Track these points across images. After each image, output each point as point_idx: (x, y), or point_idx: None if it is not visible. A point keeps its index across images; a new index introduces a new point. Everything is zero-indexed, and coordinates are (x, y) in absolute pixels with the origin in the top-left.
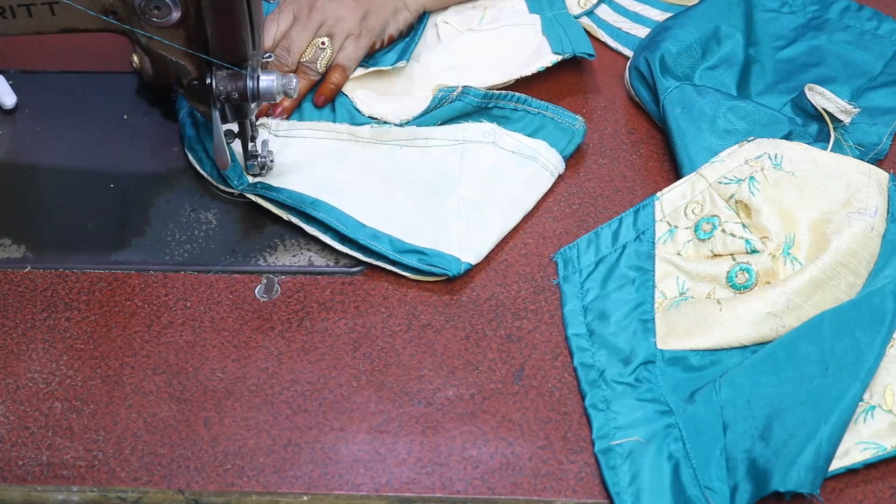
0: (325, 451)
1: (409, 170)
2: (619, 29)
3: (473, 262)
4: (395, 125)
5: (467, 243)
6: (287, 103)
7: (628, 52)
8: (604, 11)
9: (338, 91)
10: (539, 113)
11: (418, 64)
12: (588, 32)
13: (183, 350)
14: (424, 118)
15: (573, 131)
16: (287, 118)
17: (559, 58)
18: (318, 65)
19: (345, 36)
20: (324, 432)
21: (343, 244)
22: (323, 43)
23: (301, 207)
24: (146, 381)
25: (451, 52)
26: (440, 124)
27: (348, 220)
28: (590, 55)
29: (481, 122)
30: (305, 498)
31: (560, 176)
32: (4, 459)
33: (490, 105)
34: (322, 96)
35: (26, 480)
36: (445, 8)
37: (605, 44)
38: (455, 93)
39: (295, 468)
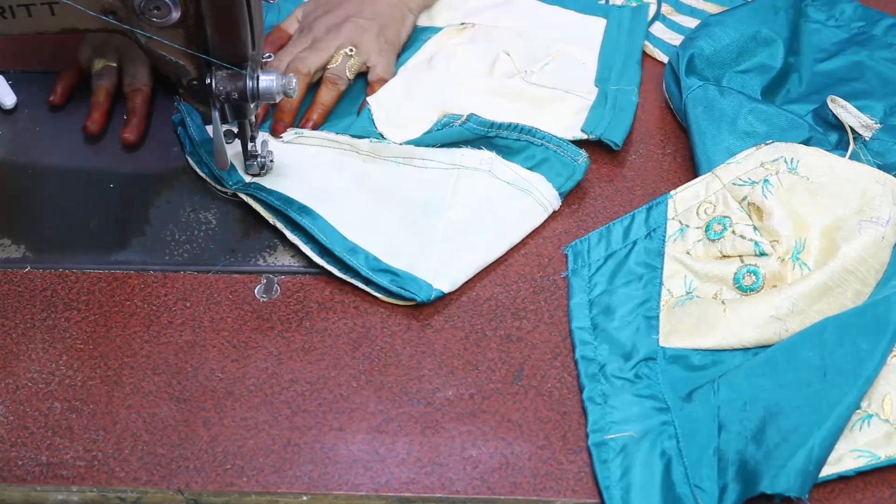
0: (324, 451)
1: (402, 188)
2: (675, 47)
3: (447, 290)
4: (395, 143)
5: (444, 270)
6: (316, 116)
7: None
8: (658, 29)
9: None
10: (542, 145)
11: (454, 89)
12: (647, 54)
13: (183, 350)
14: (423, 139)
15: (574, 167)
16: (318, 129)
17: (584, 137)
18: (348, 72)
19: (369, 52)
20: (323, 432)
21: (322, 257)
22: (350, 50)
23: (287, 211)
24: (146, 381)
25: (490, 92)
26: (439, 147)
27: (330, 230)
28: (615, 144)
29: (481, 149)
30: (305, 498)
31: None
32: (4, 459)
33: (492, 134)
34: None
35: (26, 480)
36: (429, 6)
37: (656, 61)
38: (459, 121)
39: (294, 468)
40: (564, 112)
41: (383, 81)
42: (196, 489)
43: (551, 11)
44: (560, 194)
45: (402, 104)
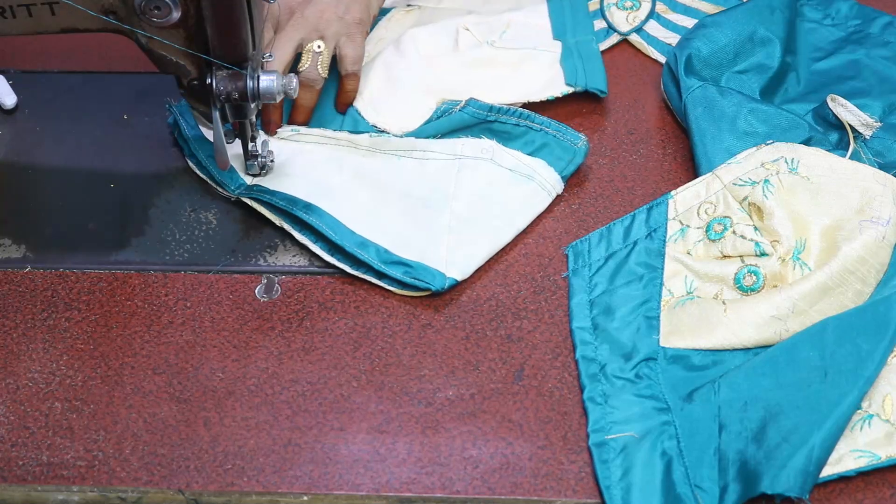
0: (325, 451)
1: (404, 181)
2: (669, 45)
3: (459, 278)
4: (395, 135)
5: (454, 259)
6: (300, 119)
7: None
8: (652, 27)
9: (355, 94)
10: (542, 130)
11: (431, 70)
12: (638, 49)
13: (183, 350)
14: (424, 129)
15: (574, 150)
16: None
17: (571, 90)
18: (319, 69)
19: (336, 38)
20: (324, 432)
21: (332, 254)
22: (318, 46)
23: (293, 211)
24: (146, 381)
25: (465, 65)
26: (440, 137)
27: (339, 226)
28: (601, 91)
29: (481, 137)
30: (305, 498)
31: (558, 195)
32: (4, 459)
33: (492, 119)
34: (343, 104)
35: (26, 480)
36: None
37: (655, 61)
38: (458, 107)
39: (295, 468)
40: (539, 67)
41: (354, 77)
42: (197, 489)
43: None
44: (562, 178)
45: (386, 94)
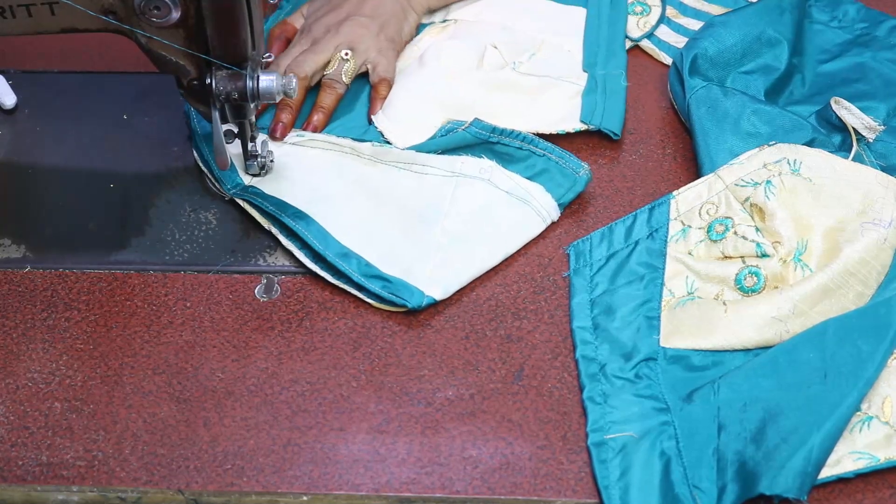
0: (324, 451)
1: (401, 194)
2: (678, 49)
3: (439, 297)
4: (397, 147)
5: (438, 277)
6: (317, 120)
7: None
8: (663, 32)
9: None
10: (544, 155)
11: (448, 85)
12: (649, 55)
13: (183, 350)
14: (427, 143)
15: (575, 178)
16: (320, 132)
17: (584, 127)
18: (345, 76)
19: (367, 53)
20: (324, 432)
21: (316, 263)
22: (346, 54)
23: (281, 217)
24: (146, 381)
25: (483, 85)
26: (441, 153)
27: (324, 235)
28: (614, 134)
29: (481, 157)
30: (305, 498)
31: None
32: (4, 459)
33: (494, 140)
34: (375, 111)
35: (26, 480)
36: (447, 6)
37: (656, 60)
38: (463, 126)
39: (295, 468)
40: (558, 98)
41: (386, 82)
42: (196, 489)
43: (531, 3)
44: (559, 205)
45: (398, 103)
